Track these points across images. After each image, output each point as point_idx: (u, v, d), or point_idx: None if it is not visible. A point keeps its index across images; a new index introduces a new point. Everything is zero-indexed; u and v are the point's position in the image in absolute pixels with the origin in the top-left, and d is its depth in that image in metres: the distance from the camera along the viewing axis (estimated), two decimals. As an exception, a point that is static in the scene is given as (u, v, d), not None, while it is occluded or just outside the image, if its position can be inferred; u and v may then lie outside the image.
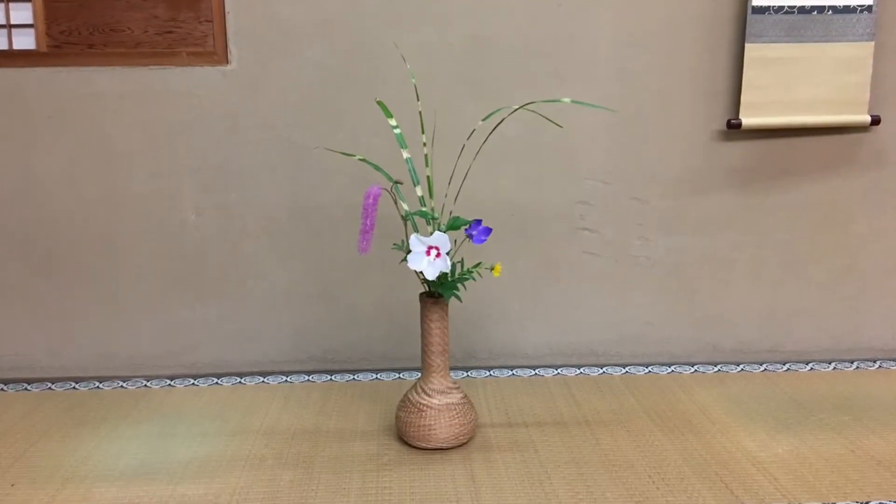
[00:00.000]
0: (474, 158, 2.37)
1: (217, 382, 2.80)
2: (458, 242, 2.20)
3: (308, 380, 2.82)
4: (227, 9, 2.66)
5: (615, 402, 2.59)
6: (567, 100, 2.31)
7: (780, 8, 2.65)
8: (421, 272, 2.10)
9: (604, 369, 2.87)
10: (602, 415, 2.50)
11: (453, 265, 2.19)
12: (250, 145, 2.74)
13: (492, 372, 2.87)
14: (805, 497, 2.00)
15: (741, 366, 2.88)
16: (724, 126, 2.77)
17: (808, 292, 2.90)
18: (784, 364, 2.89)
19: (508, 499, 2.01)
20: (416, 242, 2.09)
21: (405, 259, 2.12)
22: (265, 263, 2.81)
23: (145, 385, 2.78)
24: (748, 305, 2.90)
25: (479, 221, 2.16)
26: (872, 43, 2.70)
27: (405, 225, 2.22)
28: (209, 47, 2.69)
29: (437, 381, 2.27)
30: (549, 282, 2.86)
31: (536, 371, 2.86)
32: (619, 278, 2.87)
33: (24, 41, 2.68)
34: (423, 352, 2.28)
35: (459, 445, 2.29)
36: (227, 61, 2.69)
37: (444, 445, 2.26)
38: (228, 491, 2.07)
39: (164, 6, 2.67)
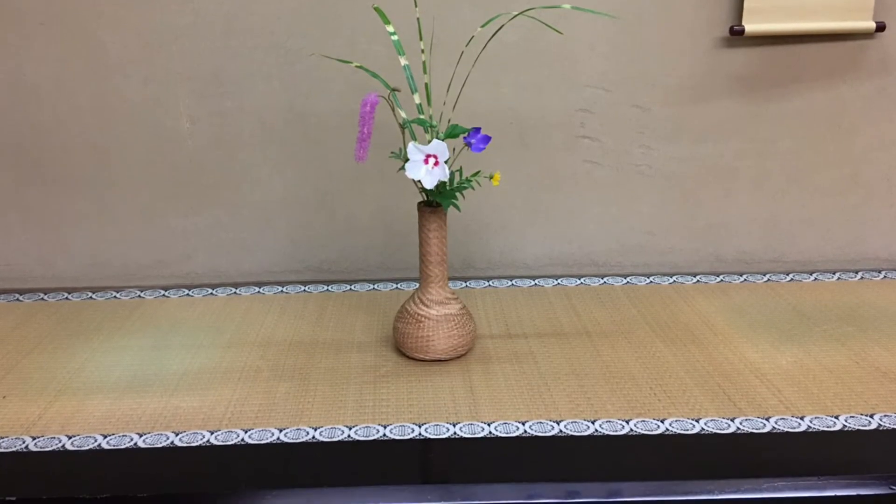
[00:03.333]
0: (473, 65, 2.31)
1: (212, 293, 2.78)
2: (456, 151, 2.15)
3: (304, 290, 2.79)
4: None
5: (616, 313, 2.57)
6: (567, 5, 2.25)
7: None
8: (419, 181, 2.06)
9: (604, 279, 2.85)
10: (603, 325, 2.48)
11: (452, 174, 2.15)
12: (246, 52, 2.67)
13: (491, 282, 2.84)
14: (808, 409, 1.98)
15: (744, 276, 2.86)
16: (726, 32, 2.69)
17: (812, 201, 2.86)
18: (788, 274, 2.87)
19: (508, 410, 1.99)
20: (414, 151, 2.05)
21: (403, 168, 2.08)
22: (260, 172, 2.77)
23: (139, 295, 2.76)
24: (751, 215, 2.86)
25: (477, 129, 2.11)
26: (880, -54, 2.63)
27: (403, 133, 2.17)
28: (200, -52, 2.62)
29: (436, 292, 2.24)
30: (549, 191, 2.83)
31: (536, 281, 2.84)
32: (621, 187, 2.83)
33: (9, -58, 2.61)
34: (421, 262, 2.24)
35: (458, 357, 2.27)
36: (219, -37, 2.63)
37: (443, 357, 2.24)
38: (223, 403, 2.05)
39: None
